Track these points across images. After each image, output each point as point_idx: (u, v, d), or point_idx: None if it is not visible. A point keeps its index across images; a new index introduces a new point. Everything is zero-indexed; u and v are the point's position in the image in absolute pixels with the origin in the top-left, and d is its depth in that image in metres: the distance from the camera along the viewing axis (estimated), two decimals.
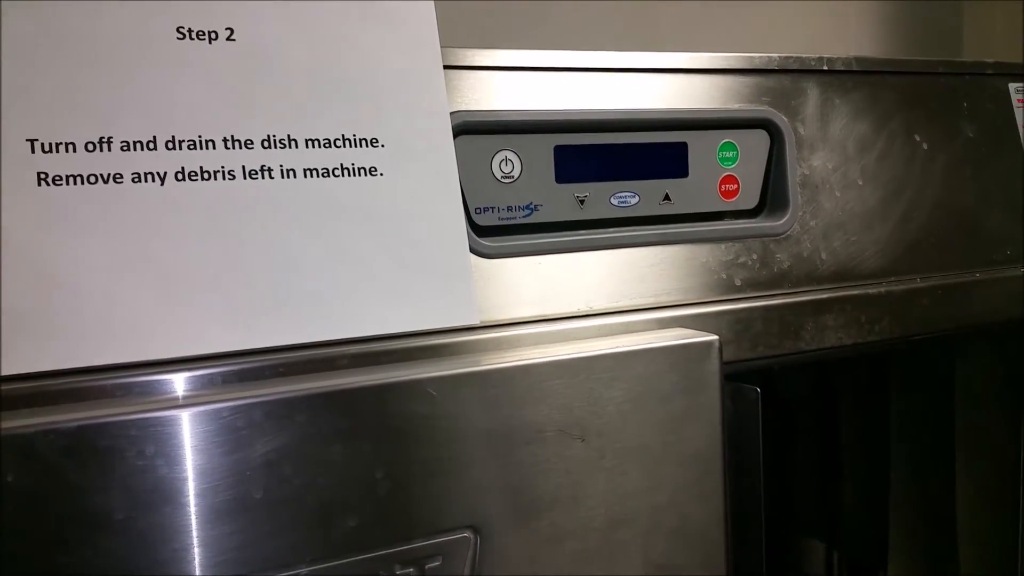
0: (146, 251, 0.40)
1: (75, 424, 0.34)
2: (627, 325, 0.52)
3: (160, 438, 0.36)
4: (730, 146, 0.58)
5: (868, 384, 0.92)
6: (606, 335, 0.51)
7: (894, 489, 0.92)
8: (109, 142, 0.41)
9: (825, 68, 0.62)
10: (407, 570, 0.41)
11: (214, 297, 0.41)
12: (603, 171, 0.55)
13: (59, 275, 0.39)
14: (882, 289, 0.59)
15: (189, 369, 0.40)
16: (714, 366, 0.49)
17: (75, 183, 0.40)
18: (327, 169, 0.45)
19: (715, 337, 0.49)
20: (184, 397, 0.39)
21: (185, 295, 0.41)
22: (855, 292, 0.59)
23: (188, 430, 0.36)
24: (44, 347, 0.38)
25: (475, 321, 0.48)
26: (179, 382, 0.40)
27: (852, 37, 1.24)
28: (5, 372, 0.37)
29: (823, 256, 0.59)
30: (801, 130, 0.60)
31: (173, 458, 0.36)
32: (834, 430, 0.98)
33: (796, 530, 1.09)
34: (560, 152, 0.54)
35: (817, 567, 1.35)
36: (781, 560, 1.27)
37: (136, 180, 0.41)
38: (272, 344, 0.42)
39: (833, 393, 0.96)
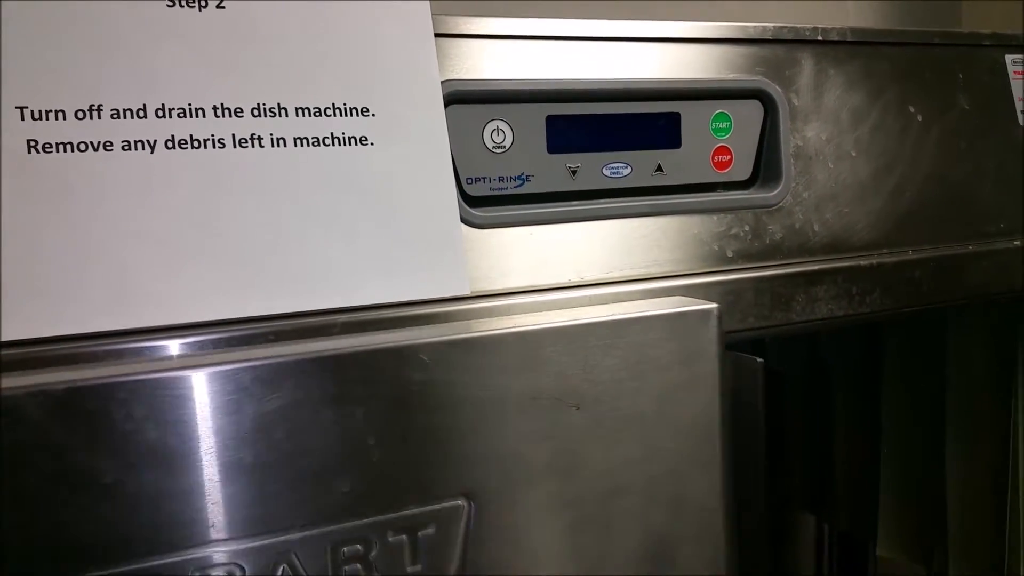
0: (136, 219, 0.40)
1: (65, 386, 0.34)
2: (617, 295, 0.52)
3: (150, 401, 0.36)
4: (723, 117, 0.58)
5: (860, 356, 0.93)
6: (597, 305, 0.51)
7: (885, 461, 0.93)
8: (99, 110, 0.40)
9: (819, 38, 0.61)
10: (399, 537, 0.41)
11: (205, 265, 0.41)
12: (595, 141, 0.55)
13: (49, 242, 0.39)
14: (874, 261, 0.60)
15: (180, 336, 0.40)
16: (712, 334, 0.49)
17: (65, 151, 0.40)
18: (317, 138, 0.45)
19: (714, 305, 0.49)
20: (177, 358, 0.39)
21: (175, 263, 0.41)
22: (846, 264, 0.59)
23: (178, 394, 0.36)
24: (35, 313, 0.38)
25: (465, 291, 0.48)
26: (173, 348, 0.40)
27: (851, 18, 1.24)
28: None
29: (815, 228, 0.59)
30: (795, 101, 0.60)
31: (161, 423, 0.36)
32: (826, 402, 0.98)
33: (786, 502, 1.10)
34: (552, 122, 0.53)
35: (807, 539, 1.36)
36: (771, 532, 1.28)
37: (126, 148, 0.41)
38: (262, 313, 0.42)
39: (825, 365, 0.97)
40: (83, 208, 0.39)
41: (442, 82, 0.49)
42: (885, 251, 0.61)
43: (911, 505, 0.92)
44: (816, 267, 0.58)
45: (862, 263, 0.59)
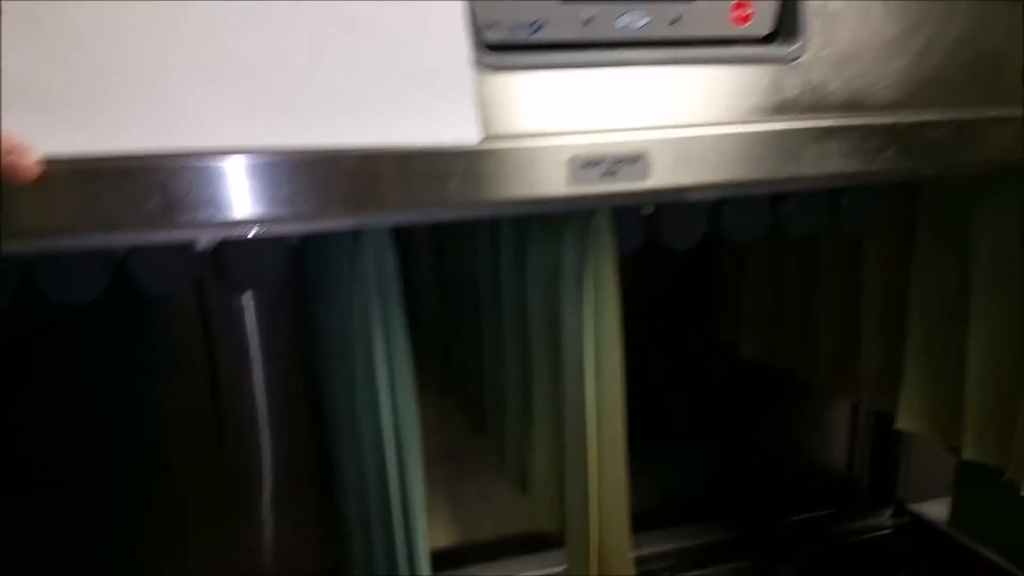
0: (165, 50, 0.43)
1: None
2: (623, 144, 0.53)
3: None
4: None
5: (890, 218, 0.91)
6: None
7: (911, 335, 0.93)
8: None
9: None
10: None
11: (220, 98, 0.44)
12: None
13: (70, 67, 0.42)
14: (889, 120, 0.59)
15: (200, 160, 0.44)
16: None
17: None
18: None
19: None
20: None
21: (192, 94, 0.44)
22: (862, 121, 0.59)
23: None
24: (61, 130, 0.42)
25: (476, 139, 0.50)
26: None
27: None
28: None
29: (833, 86, 0.59)
30: None
31: None
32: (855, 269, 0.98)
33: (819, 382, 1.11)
34: None
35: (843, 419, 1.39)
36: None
37: None
38: (278, 145, 0.45)
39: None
40: (99, 46, 0.42)
41: None
42: (906, 111, 0.61)
43: (933, 380, 0.93)
44: (829, 123, 0.58)
45: (877, 121, 0.59)
